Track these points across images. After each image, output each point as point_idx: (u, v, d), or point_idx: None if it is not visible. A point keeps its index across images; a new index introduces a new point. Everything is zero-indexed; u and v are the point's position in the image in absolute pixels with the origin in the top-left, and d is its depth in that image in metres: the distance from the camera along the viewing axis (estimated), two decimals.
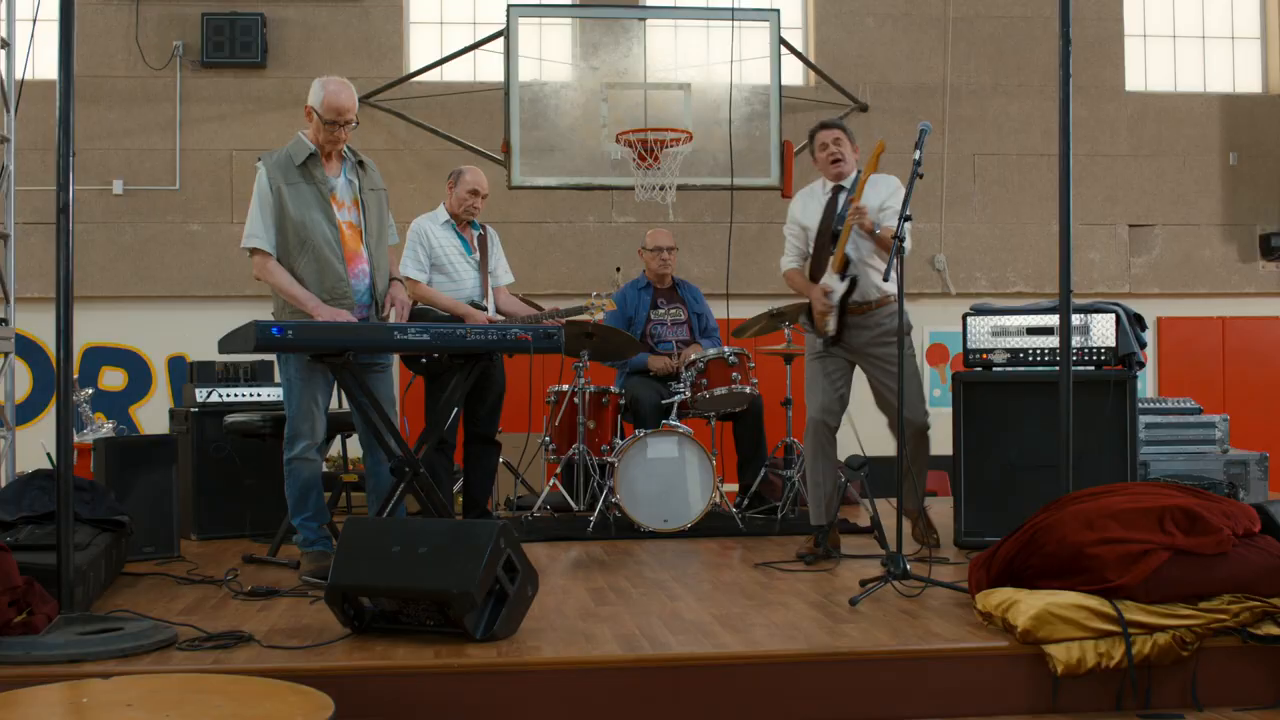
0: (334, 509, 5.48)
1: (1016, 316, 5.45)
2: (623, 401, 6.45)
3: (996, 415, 5.30)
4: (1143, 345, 5.36)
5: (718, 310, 7.19)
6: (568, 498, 6.33)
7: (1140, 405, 5.55)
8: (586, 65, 8.55)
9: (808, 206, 5.29)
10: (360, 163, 4.78)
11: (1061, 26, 4.40)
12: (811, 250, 5.23)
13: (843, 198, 5.15)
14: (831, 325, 5.10)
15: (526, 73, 8.52)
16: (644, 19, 8.67)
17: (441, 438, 5.54)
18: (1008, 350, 5.42)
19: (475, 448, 5.96)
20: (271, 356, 6.15)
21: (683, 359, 6.48)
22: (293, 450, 4.65)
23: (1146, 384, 9.97)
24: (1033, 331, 5.39)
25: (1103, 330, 5.29)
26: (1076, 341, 5.23)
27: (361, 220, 4.72)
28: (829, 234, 5.13)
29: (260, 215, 4.60)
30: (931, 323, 9.77)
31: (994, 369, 5.44)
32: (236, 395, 6.24)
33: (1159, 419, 6.06)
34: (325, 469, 5.46)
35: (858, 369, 5.28)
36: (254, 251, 4.63)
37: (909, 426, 4.99)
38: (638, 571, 4.93)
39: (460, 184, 5.93)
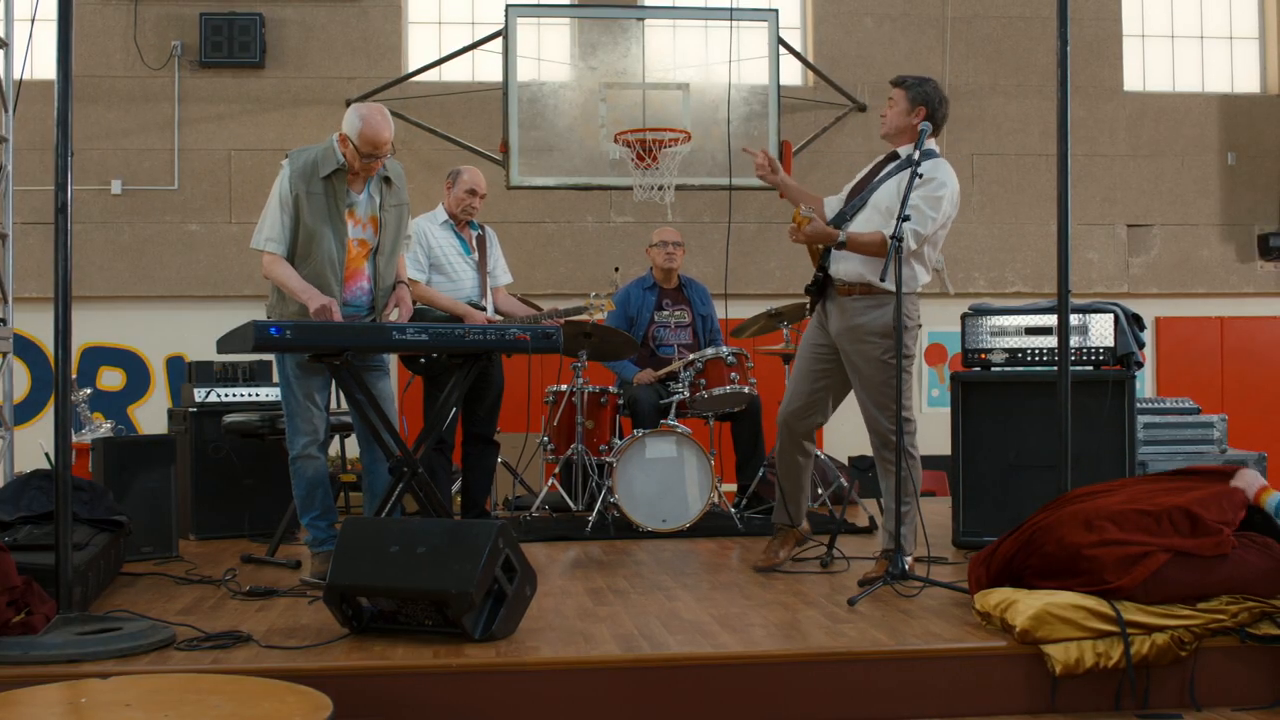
0: None
1: (1015, 316, 5.46)
2: (621, 401, 6.45)
3: (995, 415, 5.30)
4: (1141, 345, 5.37)
5: (716, 310, 7.19)
6: (566, 498, 6.33)
7: (1139, 405, 5.55)
8: (585, 65, 8.54)
9: (865, 168, 4.86)
10: (386, 179, 4.70)
11: (1060, 26, 4.40)
12: (845, 201, 4.76)
13: (890, 167, 4.66)
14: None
15: (525, 73, 8.52)
16: (642, 19, 8.67)
17: (440, 437, 5.54)
18: (1006, 350, 5.43)
19: (474, 448, 5.95)
20: (270, 356, 6.15)
21: (666, 372, 6.46)
22: (295, 449, 4.65)
23: (1145, 384, 9.98)
24: (1031, 331, 5.40)
25: (1101, 330, 5.29)
26: (1075, 341, 5.24)
27: (375, 238, 4.70)
28: (857, 193, 4.69)
29: (279, 217, 4.58)
30: (930, 323, 9.71)
31: (993, 369, 5.45)
32: (235, 395, 6.24)
33: (1157, 419, 6.07)
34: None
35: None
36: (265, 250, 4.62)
37: (871, 434, 4.68)
38: (636, 572, 4.93)
39: (458, 184, 5.93)
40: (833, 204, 4.85)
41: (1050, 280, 9.51)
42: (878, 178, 4.68)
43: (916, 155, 4.48)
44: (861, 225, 4.56)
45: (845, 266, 4.62)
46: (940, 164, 4.59)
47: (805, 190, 4.91)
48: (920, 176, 4.43)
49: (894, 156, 4.70)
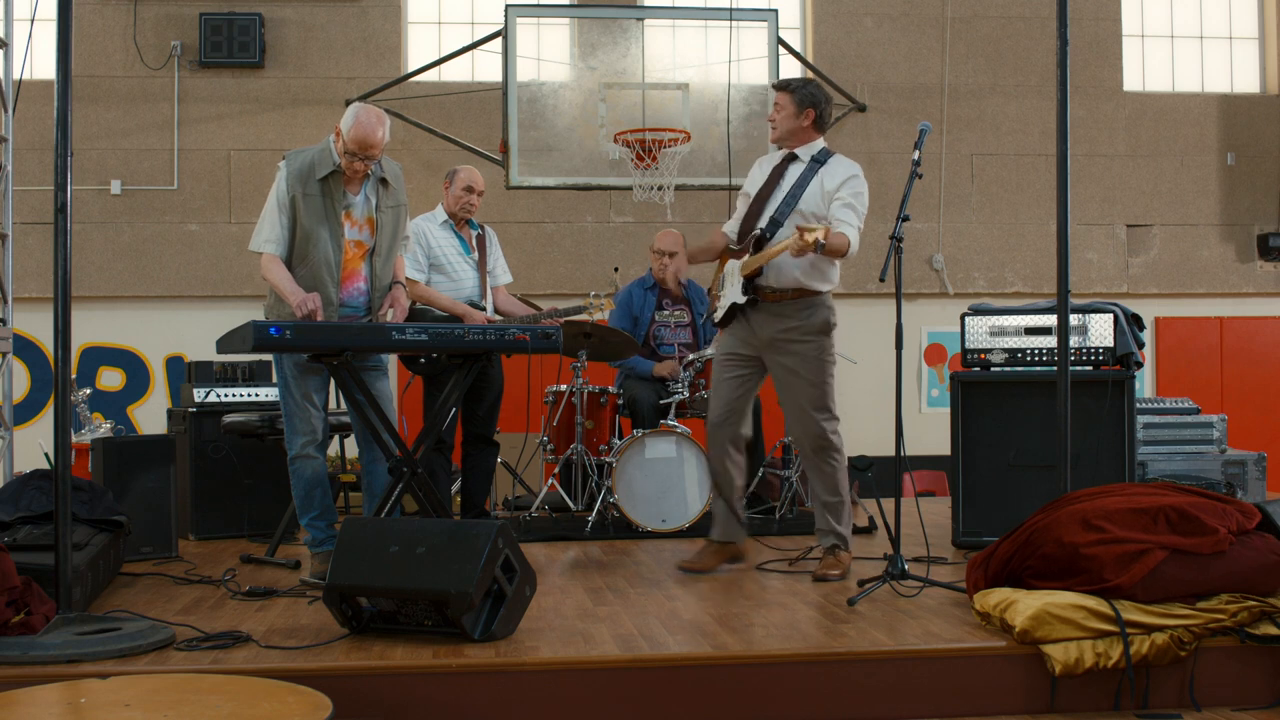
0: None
1: (1015, 316, 5.45)
2: (621, 401, 6.45)
3: (995, 415, 5.30)
4: (1140, 345, 5.37)
5: None
6: (566, 498, 6.33)
7: (1138, 405, 5.55)
8: (584, 65, 8.54)
9: (758, 171, 4.87)
10: (384, 180, 4.70)
11: (1060, 27, 4.41)
12: (749, 209, 4.80)
13: (793, 169, 4.71)
14: (718, 315, 4.81)
15: (525, 73, 8.52)
16: (642, 19, 8.67)
17: (440, 437, 5.54)
18: (1006, 350, 5.43)
19: (473, 448, 5.95)
20: (269, 357, 6.15)
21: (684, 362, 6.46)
22: (293, 449, 4.65)
23: (1144, 384, 9.98)
24: (1031, 331, 5.40)
25: (1101, 330, 5.29)
26: (1074, 341, 5.24)
27: (372, 239, 4.70)
28: (764, 200, 4.72)
29: (277, 218, 4.58)
30: (929, 323, 9.78)
31: (992, 369, 5.44)
32: (234, 395, 6.24)
33: (1157, 419, 6.07)
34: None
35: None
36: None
37: (802, 437, 4.69)
38: (636, 572, 4.93)
39: (455, 182, 5.93)
40: (740, 209, 4.88)
41: (1049, 280, 9.51)
42: (793, 183, 4.67)
43: (916, 155, 4.49)
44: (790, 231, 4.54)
45: (776, 272, 4.65)
46: (847, 161, 4.72)
47: (702, 244, 4.95)
48: (920, 177, 4.49)
49: (793, 158, 4.76)
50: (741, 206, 4.89)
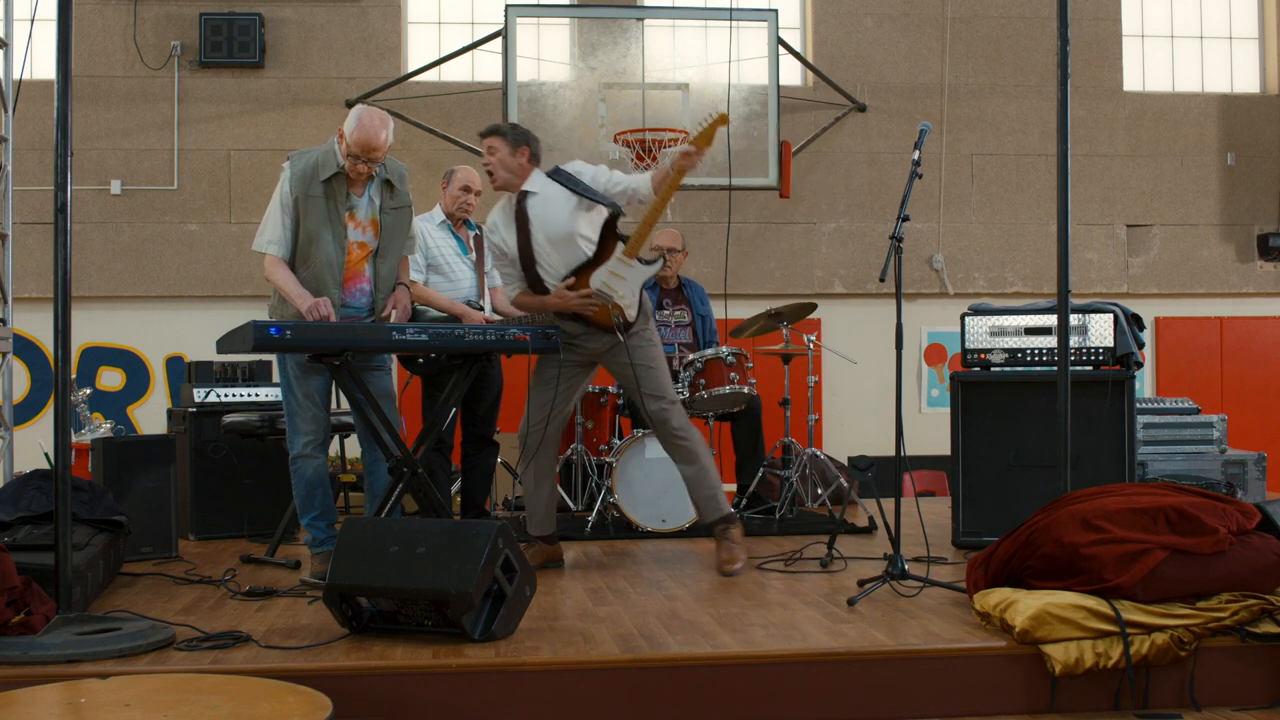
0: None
1: (1015, 316, 5.45)
2: (621, 401, 6.45)
3: (995, 415, 5.30)
4: (1141, 345, 5.37)
5: (716, 310, 7.20)
6: (566, 498, 6.33)
7: (1138, 405, 5.55)
8: (584, 65, 8.54)
9: (501, 227, 4.94)
10: (388, 181, 4.70)
11: (1060, 26, 4.41)
12: (522, 266, 4.85)
13: (533, 201, 4.82)
14: (632, 310, 4.75)
15: (524, 73, 8.52)
16: (642, 19, 8.67)
17: (440, 438, 5.53)
18: (1006, 350, 5.43)
19: (473, 448, 5.95)
20: (270, 357, 6.15)
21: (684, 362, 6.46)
22: (294, 449, 4.65)
23: (1144, 384, 9.98)
24: (1031, 331, 5.40)
25: (1101, 330, 5.29)
26: (1075, 341, 5.24)
27: (376, 240, 4.70)
28: (529, 245, 4.81)
29: (280, 219, 4.58)
30: (930, 323, 9.77)
31: (992, 369, 5.44)
32: (234, 395, 6.24)
33: (1157, 419, 6.07)
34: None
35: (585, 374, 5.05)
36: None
37: (653, 421, 4.88)
38: (636, 571, 4.93)
39: (452, 182, 5.94)
40: (507, 271, 4.95)
41: (1050, 280, 9.52)
42: (559, 197, 4.83)
43: (916, 155, 4.50)
44: (569, 258, 4.76)
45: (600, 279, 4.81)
46: (580, 161, 5.01)
47: (529, 305, 4.98)
48: (920, 177, 4.50)
49: (525, 194, 4.89)
50: (509, 268, 4.91)
